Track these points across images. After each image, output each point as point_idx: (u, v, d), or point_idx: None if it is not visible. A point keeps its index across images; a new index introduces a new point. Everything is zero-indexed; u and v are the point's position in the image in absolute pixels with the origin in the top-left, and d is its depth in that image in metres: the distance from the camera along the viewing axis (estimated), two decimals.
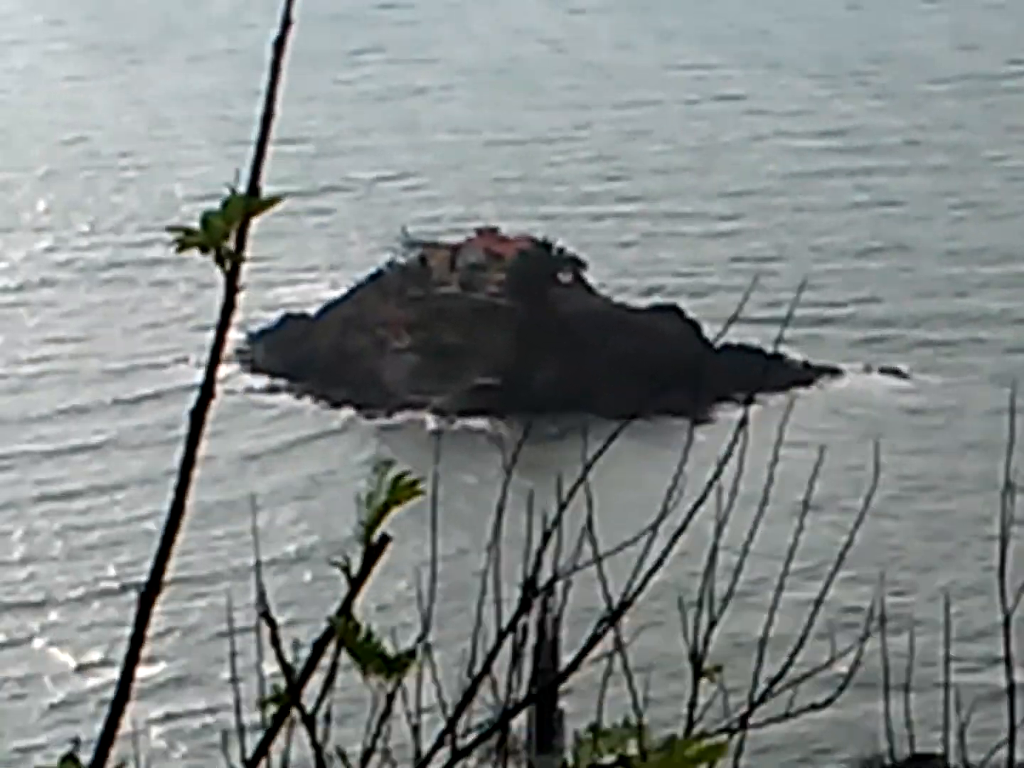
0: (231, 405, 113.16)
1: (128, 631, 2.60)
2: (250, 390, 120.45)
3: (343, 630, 2.75)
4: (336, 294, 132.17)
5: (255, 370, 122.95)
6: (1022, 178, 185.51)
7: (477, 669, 4.01)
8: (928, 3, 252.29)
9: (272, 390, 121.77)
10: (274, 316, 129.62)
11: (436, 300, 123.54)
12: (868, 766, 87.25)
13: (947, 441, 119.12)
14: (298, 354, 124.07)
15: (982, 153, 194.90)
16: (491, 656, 3.93)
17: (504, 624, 4.25)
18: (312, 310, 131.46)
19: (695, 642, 5.12)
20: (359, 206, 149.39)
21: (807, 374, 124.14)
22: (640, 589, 4.39)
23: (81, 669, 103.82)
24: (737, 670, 6.57)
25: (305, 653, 2.79)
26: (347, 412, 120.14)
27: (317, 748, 3.10)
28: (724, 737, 3.87)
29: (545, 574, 4.44)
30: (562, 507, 4.53)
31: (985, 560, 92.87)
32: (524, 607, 3.99)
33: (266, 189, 2.48)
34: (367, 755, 3.43)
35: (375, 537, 2.59)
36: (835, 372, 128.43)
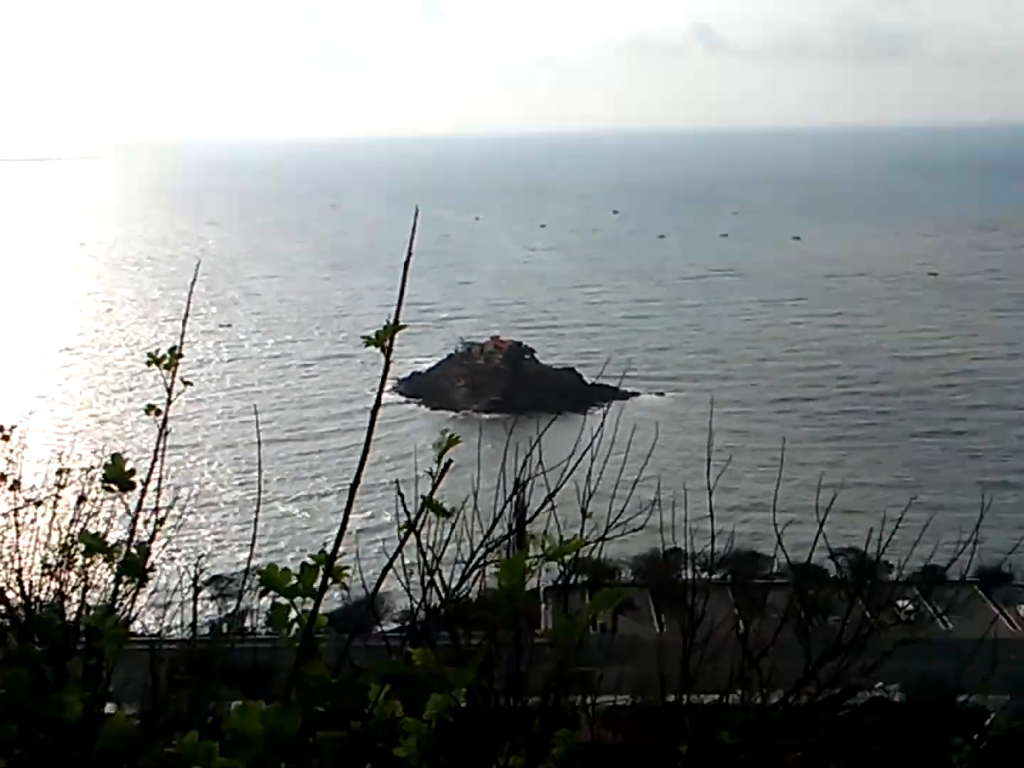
0: (395, 410, 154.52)
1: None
2: (400, 403, 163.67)
3: (430, 502, 3.84)
4: (433, 363, 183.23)
5: (402, 394, 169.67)
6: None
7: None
8: None
9: (408, 402, 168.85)
10: (408, 372, 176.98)
11: (475, 366, 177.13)
12: None
13: (681, 428, 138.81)
14: (418, 387, 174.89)
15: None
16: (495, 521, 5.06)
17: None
18: (423, 369, 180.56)
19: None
20: (446, 327, 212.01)
21: (627, 395, 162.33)
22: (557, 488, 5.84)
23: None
24: None
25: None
26: (439, 412, 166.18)
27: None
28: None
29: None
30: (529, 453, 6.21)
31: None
32: (513, 496, 5.49)
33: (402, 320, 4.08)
34: None
35: (443, 461, 3.88)
36: (636, 394, 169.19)
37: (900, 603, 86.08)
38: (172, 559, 11.45)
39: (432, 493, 3.87)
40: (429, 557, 4.48)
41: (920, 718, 58.43)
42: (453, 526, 4.42)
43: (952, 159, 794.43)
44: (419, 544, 4.17)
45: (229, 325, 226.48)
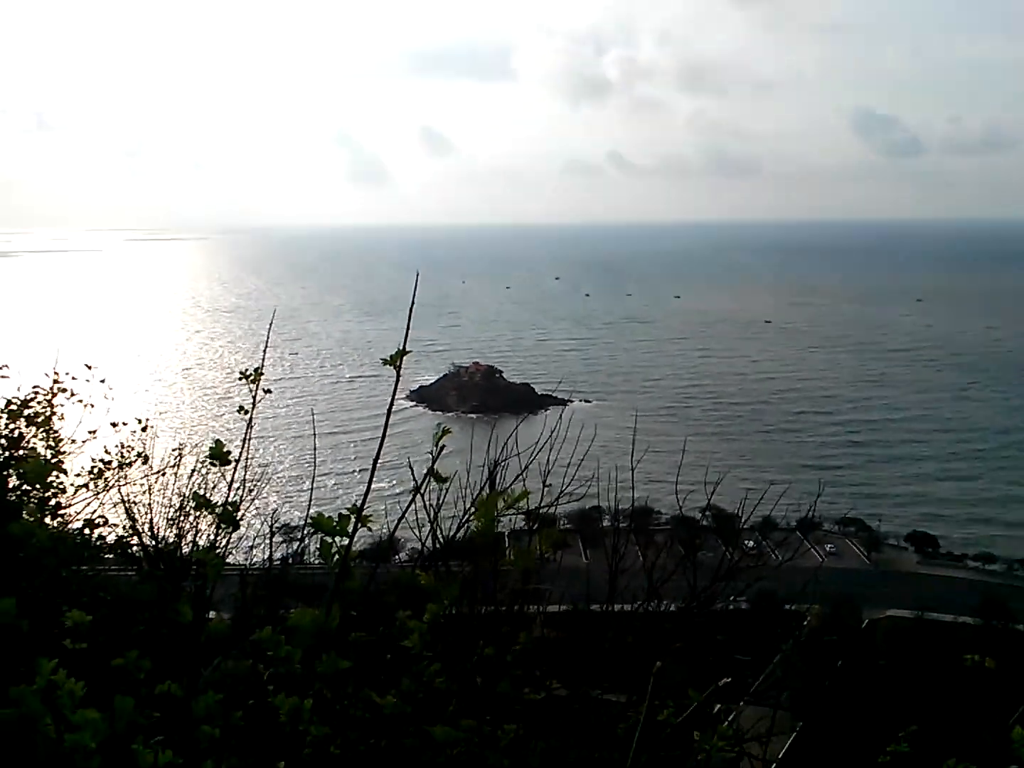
0: (407, 412, 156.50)
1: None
2: (410, 407, 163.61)
3: (432, 472, 3.77)
4: (433, 379, 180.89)
5: (412, 401, 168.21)
6: None
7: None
8: None
9: (416, 407, 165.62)
10: (416, 385, 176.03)
11: (462, 381, 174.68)
12: None
13: (602, 426, 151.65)
14: (423, 396, 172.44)
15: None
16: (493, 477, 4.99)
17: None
18: (427, 383, 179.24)
19: None
20: (442, 355, 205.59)
21: (566, 402, 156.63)
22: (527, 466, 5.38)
23: None
24: None
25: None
26: (437, 412, 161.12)
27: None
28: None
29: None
30: (506, 443, 5.34)
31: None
32: (494, 471, 5.09)
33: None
34: None
35: (440, 443, 3.81)
36: (572, 401, 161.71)
37: (748, 543, 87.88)
38: (257, 514, 11.56)
39: (432, 466, 3.86)
40: (432, 511, 4.44)
41: (760, 621, 59.51)
42: (446, 492, 4.36)
43: (782, 245, 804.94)
44: (424, 502, 4.17)
45: (296, 353, 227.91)
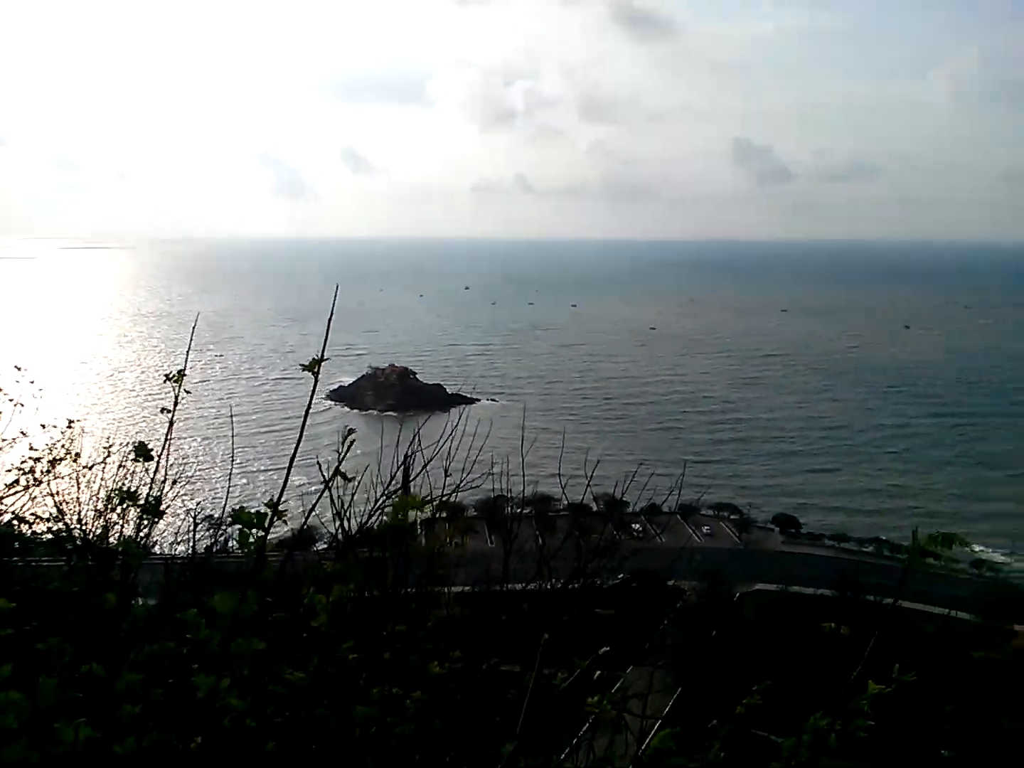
0: (329, 412, 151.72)
1: None
2: (331, 406, 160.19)
3: (338, 471, 3.59)
4: (352, 380, 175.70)
5: (332, 400, 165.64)
6: None
7: None
8: None
9: (336, 405, 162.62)
10: (336, 385, 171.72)
11: (378, 382, 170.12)
12: None
13: (506, 423, 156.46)
14: (343, 395, 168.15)
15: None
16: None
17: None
18: (346, 383, 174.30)
19: None
20: (361, 358, 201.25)
21: (473, 401, 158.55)
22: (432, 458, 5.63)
23: None
24: None
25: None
26: (355, 411, 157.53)
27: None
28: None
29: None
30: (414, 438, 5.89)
31: None
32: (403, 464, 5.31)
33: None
34: None
35: (347, 443, 3.76)
36: (479, 400, 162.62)
37: (634, 526, 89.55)
38: (183, 507, 11.28)
39: (339, 466, 3.78)
40: (337, 505, 4.45)
41: (643, 595, 60.66)
42: (358, 484, 4.36)
43: (669, 261, 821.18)
44: (332, 497, 4.11)
45: (221, 355, 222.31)
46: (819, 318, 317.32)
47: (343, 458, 3.74)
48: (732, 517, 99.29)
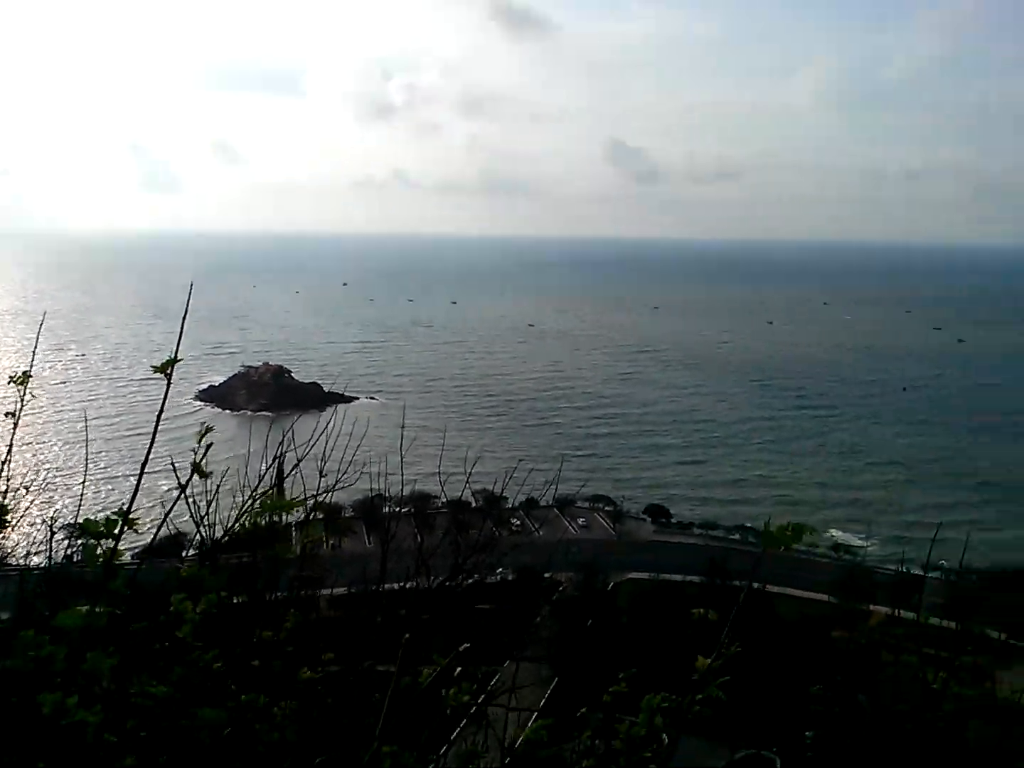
0: (200, 413, 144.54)
1: None
2: (201, 407, 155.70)
3: (196, 468, 3.57)
4: (224, 379, 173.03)
5: (202, 400, 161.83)
6: None
7: None
8: None
9: (206, 406, 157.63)
10: (206, 385, 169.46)
11: (251, 381, 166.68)
12: None
13: (385, 421, 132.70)
14: (213, 395, 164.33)
15: None
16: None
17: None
18: (217, 383, 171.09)
19: None
20: (233, 356, 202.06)
21: (352, 399, 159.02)
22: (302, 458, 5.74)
23: None
24: None
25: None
26: (227, 411, 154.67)
27: None
28: None
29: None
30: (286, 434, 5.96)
31: None
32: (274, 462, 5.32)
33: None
34: None
35: (203, 440, 3.59)
36: (358, 398, 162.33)
37: (513, 521, 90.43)
38: (39, 515, 10.65)
39: (197, 463, 3.66)
40: (195, 508, 4.31)
41: (521, 588, 61.16)
42: (218, 487, 4.26)
43: (547, 258, 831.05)
44: (186, 499, 3.92)
45: (83, 355, 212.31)
46: (689, 315, 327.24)
47: (201, 456, 3.62)
48: (607, 509, 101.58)
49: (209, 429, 3.75)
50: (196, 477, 3.61)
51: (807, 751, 43.35)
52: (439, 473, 8.03)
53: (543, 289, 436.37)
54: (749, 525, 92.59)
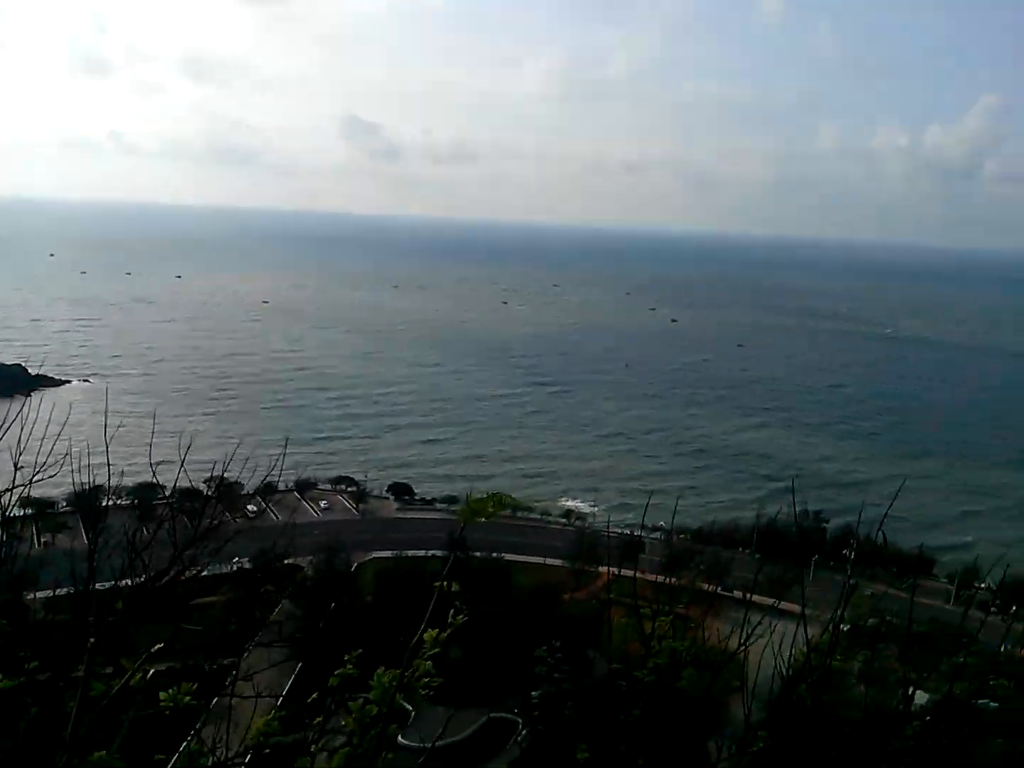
0: None
1: None
2: None
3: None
4: None
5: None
6: None
7: None
8: None
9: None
10: None
11: None
12: None
13: (99, 405, 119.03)
14: None
15: None
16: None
17: None
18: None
19: None
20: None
21: (63, 383, 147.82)
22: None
23: None
24: None
25: None
26: None
27: None
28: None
29: None
30: None
31: None
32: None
33: None
34: None
35: None
36: (68, 381, 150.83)
37: (249, 507, 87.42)
38: None
39: None
40: None
41: (258, 576, 59.39)
42: None
43: (279, 232, 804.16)
44: None
45: None
46: (428, 293, 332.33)
47: None
48: (349, 490, 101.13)
49: None
50: None
51: (534, 710, 46.23)
52: (150, 462, 7.48)
53: (278, 264, 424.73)
54: (515, 499, 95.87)
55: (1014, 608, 67.71)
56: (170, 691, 3.35)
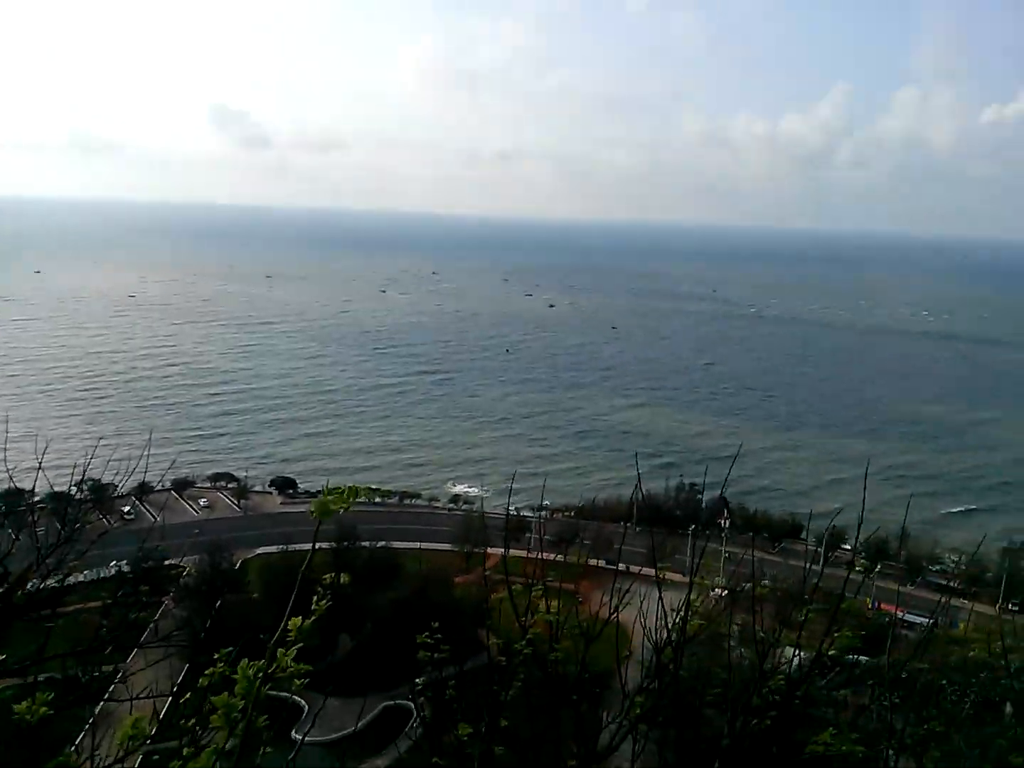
0: None
1: None
2: None
3: None
4: None
5: None
6: None
7: None
8: None
9: None
10: None
11: None
12: None
13: None
14: None
15: None
16: None
17: None
18: None
19: None
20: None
21: None
22: None
23: None
24: None
25: None
26: None
27: None
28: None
29: None
30: None
31: None
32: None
33: None
34: None
35: None
36: None
37: (124, 509, 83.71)
38: None
39: None
40: None
41: (139, 580, 57.16)
42: None
43: (144, 224, 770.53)
44: None
45: None
46: (304, 283, 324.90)
47: None
48: (230, 486, 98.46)
49: None
50: None
51: (420, 695, 46.37)
52: (5, 467, 6.99)
53: (145, 257, 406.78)
54: (375, 487, 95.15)
55: (878, 566, 72.42)
56: (24, 703, 3.15)
